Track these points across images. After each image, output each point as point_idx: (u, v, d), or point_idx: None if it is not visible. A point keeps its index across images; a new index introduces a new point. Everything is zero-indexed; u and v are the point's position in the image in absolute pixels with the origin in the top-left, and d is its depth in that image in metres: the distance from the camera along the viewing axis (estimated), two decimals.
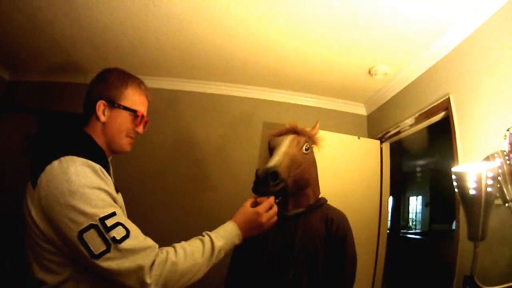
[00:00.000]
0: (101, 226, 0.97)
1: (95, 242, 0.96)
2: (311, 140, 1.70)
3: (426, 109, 2.38)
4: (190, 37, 2.52)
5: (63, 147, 1.09)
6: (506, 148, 1.50)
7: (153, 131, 3.24)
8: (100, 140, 1.22)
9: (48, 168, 1.03)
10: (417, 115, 2.51)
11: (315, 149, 1.75)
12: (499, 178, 1.19)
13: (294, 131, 1.66)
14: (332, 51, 2.49)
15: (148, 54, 2.90)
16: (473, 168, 1.16)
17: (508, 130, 1.53)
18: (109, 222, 0.98)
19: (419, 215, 6.77)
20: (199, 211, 3.14)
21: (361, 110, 3.50)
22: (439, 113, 2.27)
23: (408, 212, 6.98)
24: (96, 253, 0.95)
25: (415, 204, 6.96)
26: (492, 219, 1.21)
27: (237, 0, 2.03)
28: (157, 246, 1.06)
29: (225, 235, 1.22)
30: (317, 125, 1.76)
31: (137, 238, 1.03)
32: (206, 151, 3.32)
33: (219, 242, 1.17)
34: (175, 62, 3.03)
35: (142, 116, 1.30)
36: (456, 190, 1.22)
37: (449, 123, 2.11)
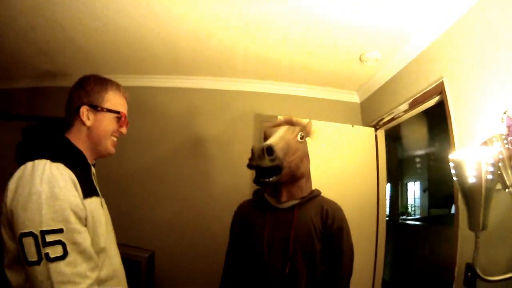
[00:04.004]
0: (40, 238, 0.99)
1: (30, 250, 0.99)
2: (305, 130, 1.70)
3: (420, 94, 2.35)
4: (175, 32, 2.47)
5: (41, 151, 1.12)
6: (504, 131, 1.46)
7: (142, 129, 3.24)
8: (84, 144, 1.28)
9: (21, 167, 1.08)
10: (410, 100, 2.47)
11: (309, 142, 1.75)
12: (499, 164, 1.14)
13: (289, 122, 1.69)
14: (320, 39, 2.44)
15: (134, 53, 2.85)
16: (471, 155, 1.11)
17: (505, 113, 1.49)
18: (50, 238, 1.00)
19: (417, 201, 6.76)
20: (195, 206, 3.15)
21: (354, 98, 3.46)
22: (433, 98, 2.24)
23: (407, 199, 6.98)
24: (28, 259, 0.99)
25: (414, 190, 6.95)
26: (492, 205, 1.17)
27: None
28: (90, 282, 1.05)
29: None
30: (310, 122, 1.77)
31: (73, 265, 1.02)
32: (199, 146, 3.29)
33: None
34: (162, 59, 2.97)
35: (125, 117, 1.39)
36: (454, 178, 1.18)
37: (444, 107, 2.08)
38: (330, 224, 1.56)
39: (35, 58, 2.99)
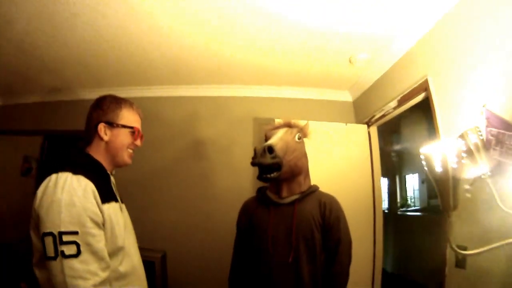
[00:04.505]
0: (57, 238, 1.14)
1: (49, 247, 1.14)
2: (303, 132, 1.85)
3: (407, 91, 2.47)
4: (175, 44, 2.60)
5: (64, 164, 1.28)
6: (483, 123, 1.57)
7: (146, 137, 3.32)
8: (102, 157, 1.44)
9: (47, 178, 1.24)
10: (399, 97, 2.59)
11: (306, 142, 1.89)
12: (462, 156, 1.31)
13: (287, 125, 1.84)
14: (312, 44, 2.57)
15: (137, 66, 2.98)
16: (437, 149, 1.28)
17: (484, 106, 1.62)
18: (66, 238, 1.15)
19: (417, 193, 6.84)
20: (199, 208, 3.28)
21: (347, 96, 3.57)
22: (420, 94, 2.34)
23: (406, 191, 7.05)
24: (47, 255, 1.14)
25: (412, 182, 7.02)
26: (473, 192, 1.32)
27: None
28: (99, 280, 1.17)
29: None
30: (307, 124, 1.90)
31: (85, 263, 1.15)
32: (201, 150, 3.41)
33: None
34: (163, 71, 3.11)
35: (139, 131, 1.54)
36: (425, 169, 1.35)
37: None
38: (328, 215, 1.70)
39: (41, 75, 3.12)
